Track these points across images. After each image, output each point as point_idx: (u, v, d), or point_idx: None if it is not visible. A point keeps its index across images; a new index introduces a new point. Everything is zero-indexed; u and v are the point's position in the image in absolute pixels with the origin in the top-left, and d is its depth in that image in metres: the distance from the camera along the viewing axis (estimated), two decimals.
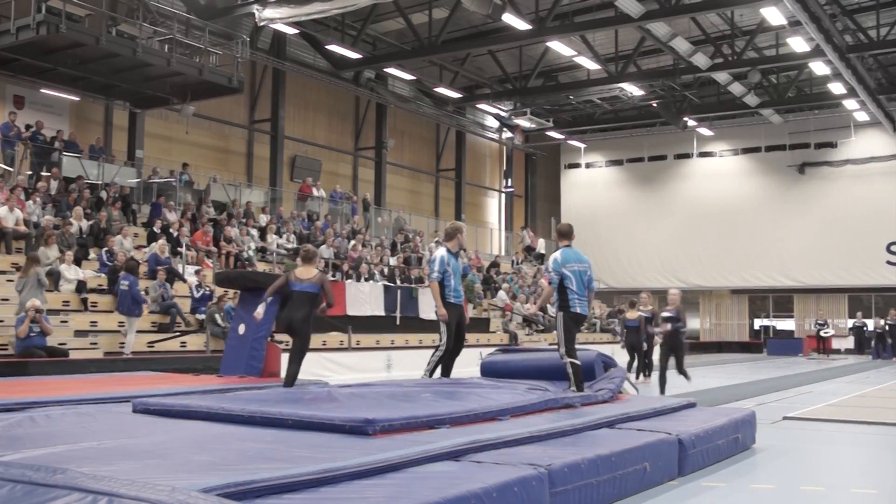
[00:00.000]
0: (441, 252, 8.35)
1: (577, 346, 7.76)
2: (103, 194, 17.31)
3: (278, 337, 10.14)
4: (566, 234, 7.82)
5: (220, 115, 23.42)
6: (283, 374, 9.52)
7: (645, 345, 15.05)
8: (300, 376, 8.35)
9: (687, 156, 35.06)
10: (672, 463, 5.59)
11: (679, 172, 35.20)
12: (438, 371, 8.34)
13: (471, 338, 19.52)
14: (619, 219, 35.25)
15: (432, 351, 8.38)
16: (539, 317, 23.88)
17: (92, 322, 13.32)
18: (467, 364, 15.02)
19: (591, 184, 36.78)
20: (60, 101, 19.53)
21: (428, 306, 17.20)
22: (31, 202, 15.32)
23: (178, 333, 14.01)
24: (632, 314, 15.18)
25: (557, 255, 7.60)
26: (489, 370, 8.80)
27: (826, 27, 20.42)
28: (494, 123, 34.35)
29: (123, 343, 13.21)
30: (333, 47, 23.71)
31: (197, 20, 18.16)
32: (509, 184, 35.75)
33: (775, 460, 6.49)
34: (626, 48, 26.39)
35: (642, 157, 35.97)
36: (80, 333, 12.87)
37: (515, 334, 21.53)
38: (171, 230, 16.92)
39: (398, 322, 17.32)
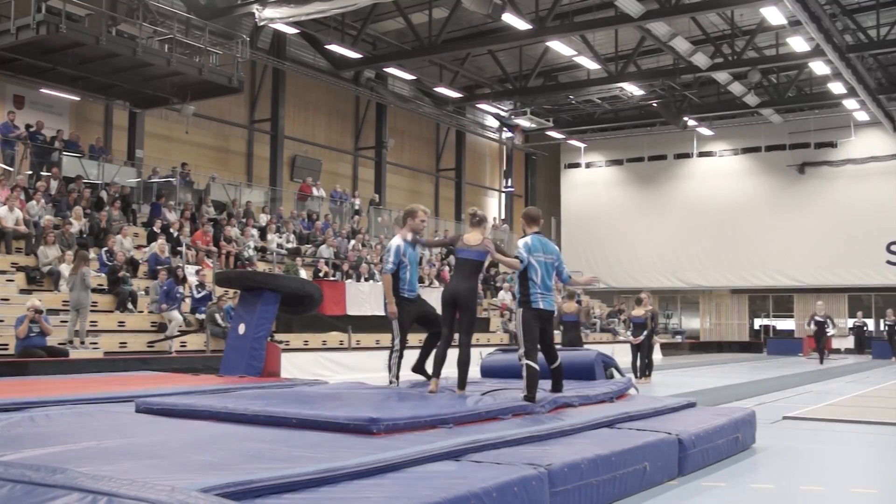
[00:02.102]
0: (396, 241, 7.42)
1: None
2: (103, 194, 17.32)
3: (278, 336, 10.17)
4: (535, 219, 7.04)
5: (220, 114, 23.42)
6: (284, 373, 9.51)
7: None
8: (300, 376, 8.34)
9: (687, 155, 35.05)
10: (672, 463, 5.59)
11: (679, 172, 35.19)
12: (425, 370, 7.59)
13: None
14: (619, 219, 35.25)
15: (388, 354, 7.50)
16: None
17: (92, 322, 13.32)
18: None
19: (591, 184, 36.77)
20: (60, 101, 19.53)
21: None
22: (33, 202, 15.33)
23: (178, 333, 14.01)
24: (638, 311, 15.22)
25: (528, 240, 6.88)
26: (489, 370, 8.81)
27: (826, 27, 20.41)
28: (494, 123, 34.35)
29: (124, 343, 13.25)
30: (333, 47, 23.71)
31: (197, 20, 18.16)
32: (509, 184, 35.75)
33: (775, 460, 6.49)
34: (626, 48, 26.38)
35: (642, 156, 35.96)
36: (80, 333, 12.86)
37: (515, 334, 21.51)
38: (170, 230, 16.92)
39: None
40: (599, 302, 31.01)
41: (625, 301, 31.15)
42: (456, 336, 7.15)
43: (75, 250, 13.79)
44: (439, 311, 7.31)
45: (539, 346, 6.81)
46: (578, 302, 15.01)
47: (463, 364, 6.91)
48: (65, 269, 13.79)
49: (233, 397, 6.10)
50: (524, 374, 6.50)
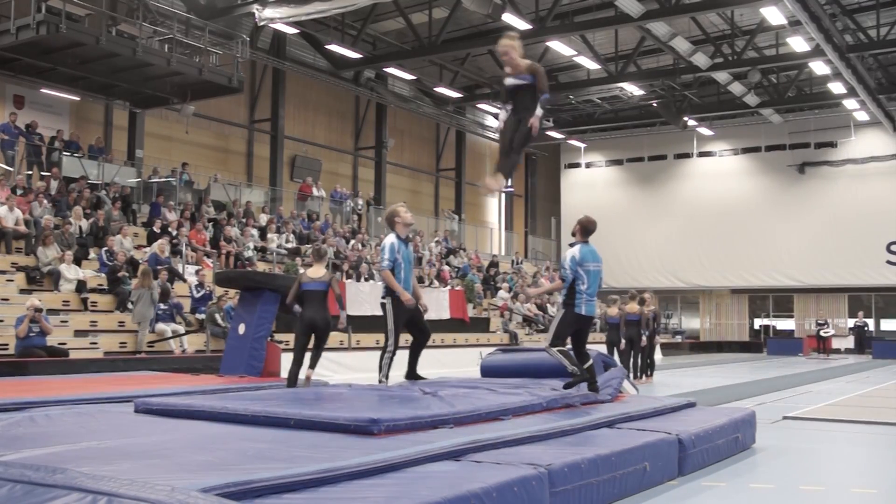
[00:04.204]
0: (390, 238, 7.70)
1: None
2: (103, 194, 17.32)
3: (278, 336, 10.18)
4: (590, 232, 7.20)
5: (220, 114, 23.42)
6: (284, 373, 9.51)
7: (645, 341, 14.99)
8: (300, 376, 8.37)
9: (687, 155, 35.05)
10: (672, 463, 5.59)
11: (679, 172, 35.20)
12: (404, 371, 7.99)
13: (471, 338, 19.56)
14: (619, 219, 35.22)
15: (380, 354, 7.72)
16: (539, 316, 23.89)
17: (92, 322, 13.33)
18: (467, 364, 15.04)
19: (591, 184, 36.78)
20: (60, 101, 19.53)
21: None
22: (35, 203, 15.33)
23: (171, 336, 13.98)
24: (631, 307, 15.14)
25: (575, 252, 7.03)
26: (489, 370, 8.80)
27: (826, 27, 20.42)
28: (494, 123, 34.33)
29: (124, 343, 13.26)
30: (333, 47, 23.71)
31: (197, 20, 18.16)
32: (509, 184, 35.73)
33: (775, 460, 6.48)
34: (626, 48, 26.39)
35: (642, 156, 35.97)
36: (79, 333, 12.87)
37: (515, 334, 21.54)
38: (169, 230, 16.92)
39: None
40: (599, 301, 30.97)
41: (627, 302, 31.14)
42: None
43: (142, 268, 13.85)
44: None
45: (574, 347, 7.18)
46: (641, 302, 15.16)
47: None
48: (64, 269, 13.80)
49: (233, 397, 6.10)
50: (557, 356, 6.94)
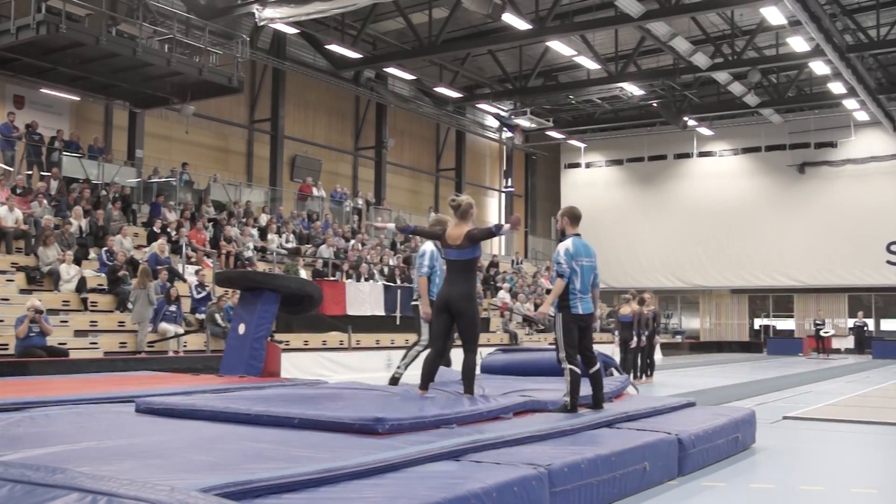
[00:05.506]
0: (430, 246, 7.67)
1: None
2: (103, 194, 17.32)
3: (278, 336, 10.17)
4: (579, 218, 6.61)
5: (220, 114, 23.42)
6: (284, 373, 9.51)
7: (644, 342, 14.96)
8: (300, 376, 8.38)
9: (687, 155, 35.04)
10: (672, 463, 5.59)
11: (679, 172, 35.19)
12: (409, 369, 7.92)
13: None
14: (619, 219, 35.23)
15: (411, 346, 7.92)
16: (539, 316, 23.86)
17: (92, 322, 13.33)
18: None
19: (591, 184, 36.77)
20: (60, 101, 19.53)
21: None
22: (35, 203, 15.33)
23: (173, 335, 13.99)
24: (625, 309, 15.11)
25: (568, 244, 6.46)
26: (489, 370, 8.81)
27: (826, 27, 20.41)
28: (494, 123, 34.35)
29: (124, 343, 13.26)
30: (333, 47, 23.71)
31: (197, 20, 18.15)
32: (509, 183, 35.76)
33: (775, 460, 6.49)
34: (626, 48, 26.39)
35: (642, 156, 35.96)
36: (79, 333, 12.87)
37: (515, 334, 21.54)
38: (168, 230, 16.92)
39: (398, 322, 17.31)
40: (599, 302, 30.99)
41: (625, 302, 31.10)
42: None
43: (141, 268, 13.82)
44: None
45: (578, 350, 6.58)
46: (641, 302, 15.03)
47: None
48: (64, 269, 13.80)
49: (233, 397, 6.10)
50: (567, 378, 6.33)
